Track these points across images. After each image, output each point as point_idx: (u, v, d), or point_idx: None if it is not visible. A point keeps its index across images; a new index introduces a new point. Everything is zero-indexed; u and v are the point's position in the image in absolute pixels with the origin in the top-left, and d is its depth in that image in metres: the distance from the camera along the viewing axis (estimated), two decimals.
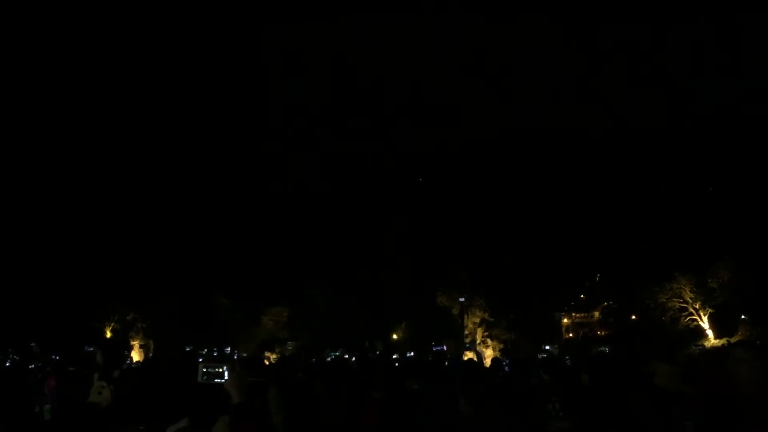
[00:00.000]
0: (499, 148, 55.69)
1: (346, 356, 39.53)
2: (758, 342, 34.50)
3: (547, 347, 42.04)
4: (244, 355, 37.97)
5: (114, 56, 58.33)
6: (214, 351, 42.28)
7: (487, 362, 32.13)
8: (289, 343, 48.59)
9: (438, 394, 5.95)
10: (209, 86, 62.42)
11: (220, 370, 3.45)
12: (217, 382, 3.42)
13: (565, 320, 52.36)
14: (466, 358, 36.83)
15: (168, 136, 55.34)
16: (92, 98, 55.65)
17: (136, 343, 45.25)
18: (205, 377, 3.46)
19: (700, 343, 39.25)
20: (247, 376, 3.53)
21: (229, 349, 45.93)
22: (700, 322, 42.06)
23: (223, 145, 58.19)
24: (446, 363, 17.42)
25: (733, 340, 38.07)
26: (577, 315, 52.55)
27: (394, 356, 35.14)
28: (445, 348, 45.96)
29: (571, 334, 51.48)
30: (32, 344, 39.79)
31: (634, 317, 46.74)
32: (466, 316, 47.13)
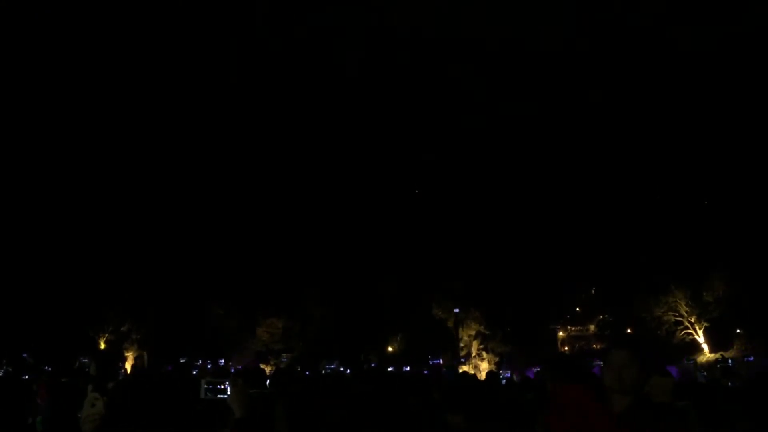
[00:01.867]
0: (494, 159, 55.83)
1: (342, 369, 39.40)
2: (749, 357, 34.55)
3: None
4: (239, 367, 37.82)
5: (114, 60, 58.33)
6: (208, 363, 42.05)
7: (482, 375, 32.05)
8: (284, 354, 48.42)
9: (432, 406, 5.93)
10: (204, 88, 62.36)
11: (223, 386, 3.42)
12: (220, 397, 3.38)
13: (561, 333, 52.32)
14: (461, 371, 36.69)
15: (162, 145, 55.27)
16: (87, 104, 55.52)
17: (130, 354, 45.06)
18: (208, 393, 3.42)
19: (692, 357, 39.32)
20: (248, 389, 3.51)
21: (223, 360, 45.71)
22: (696, 336, 42.12)
23: (218, 154, 58.08)
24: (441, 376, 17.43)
25: (728, 354, 38.14)
26: (573, 328, 52.50)
27: (390, 369, 35.04)
28: (441, 361, 45.88)
29: (566, 348, 51.41)
30: (25, 355, 39.58)
31: (629, 330, 46.75)
32: (461, 329, 47.13)
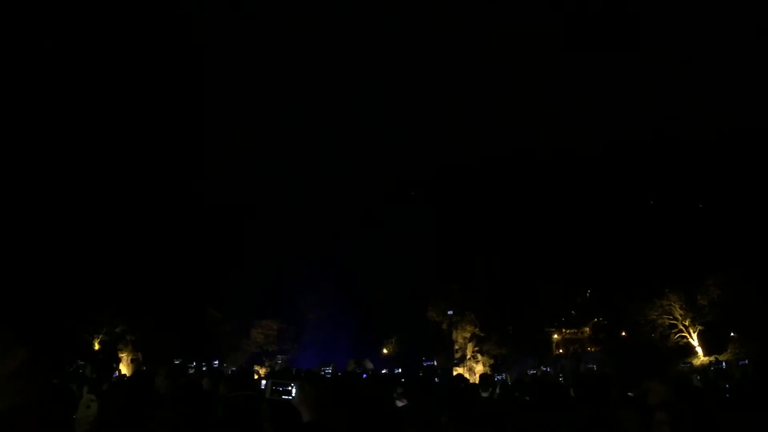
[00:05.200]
0: (489, 164, 55.96)
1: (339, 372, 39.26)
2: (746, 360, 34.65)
3: (544, 368, 41.91)
4: (233, 368, 37.78)
5: (111, 61, 58.27)
6: (203, 365, 41.95)
7: (476, 377, 32.02)
8: (279, 356, 48.36)
9: (422, 409, 5.95)
10: (205, 93, 62.46)
11: (289, 387, 3.42)
12: (285, 399, 3.39)
13: (555, 336, 52.40)
14: (455, 374, 36.60)
15: (158, 149, 55.24)
16: (83, 105, 55.41)
17: (125, 356, 44.89)
18: (273, 394, 3.44)
19: (688, 361, 39.38)
20: (236, 391, 3.51)
21: (217, 362, 45.66)
22: (690, 339, 42.23)
23: (214, 157, 58.12)
24: (436, 378, 17.43)
25: (722, 357, 38.24)
26: (567, 331, 52.56)
27: (383, 371, 34.98)
28: (435, 363, 45.88)
29: (561, 350, 51.49)
30: None
31: (624, 334, 46.85)
32: (455, 331, 47.16)
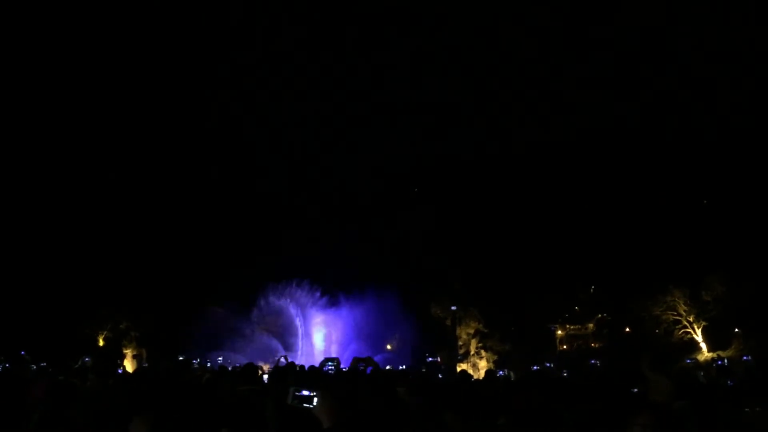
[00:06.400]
0: (493, 160, 55.84)
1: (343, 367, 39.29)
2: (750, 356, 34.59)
3: (548, 364, 41.88)
4: (237, 365, 37.82)
5: (114, 63, 58.38)
6: (208, 362, 42.05)
7: (481, 374, 32.08)
8: (282, 357, 48.34)
9: (426, 405, 5.94)
10: (207, 90, 62.52)
11: (311, 394, 3.40)
12: (306, 406, 3.37)
13: (559, 332, 52.35)
14: (459, 370, 36.70)
15: (160, 147, 55.35)
16: (88, 104, 55.54)
17: (129, 352, 45.04)
18: (294, 401, 3.42)
19: (693, 357, 39.31)
20: (241, 386, 3.51)
21: (221, 358, 45.72)
22: (694, 335, 42.15)
23: (214, 153, 58.21)
24: (440, 375, 17.47)
25: (726, 354, 38.20)
26: (571, 327, 52.48)
27: (387, 367, 35.03)
28: (439, 359, 45.91)
29: (565, 346, 51.46)
30: (22, 352, 39.51)
31: (628, 329, 46.80)
32: (458, 327, 47.13)
